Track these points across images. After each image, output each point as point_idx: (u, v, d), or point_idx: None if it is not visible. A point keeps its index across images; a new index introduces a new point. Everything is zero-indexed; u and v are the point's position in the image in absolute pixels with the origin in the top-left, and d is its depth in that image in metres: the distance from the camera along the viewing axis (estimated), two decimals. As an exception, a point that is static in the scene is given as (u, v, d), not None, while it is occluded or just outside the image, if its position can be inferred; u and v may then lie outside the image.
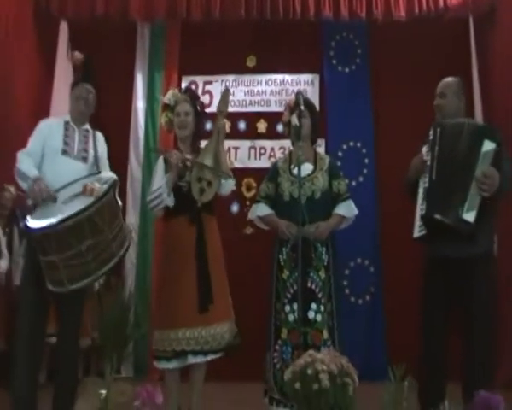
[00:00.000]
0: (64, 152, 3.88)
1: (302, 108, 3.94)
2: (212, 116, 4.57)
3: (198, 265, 4.00)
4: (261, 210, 4.25)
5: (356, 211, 4.23)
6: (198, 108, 4.35)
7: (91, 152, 3.97)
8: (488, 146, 3.53)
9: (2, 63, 6.15)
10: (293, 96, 4.77)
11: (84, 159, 3.94)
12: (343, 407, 2.48)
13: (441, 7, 6.60)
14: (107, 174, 3.87)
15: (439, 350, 3.77)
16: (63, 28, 7.20)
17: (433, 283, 3.78)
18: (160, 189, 4.05)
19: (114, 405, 2.91)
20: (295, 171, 4.02)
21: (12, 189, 6.04)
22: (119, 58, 7.24)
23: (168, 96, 4.36)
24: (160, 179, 4.11)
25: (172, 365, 3.97)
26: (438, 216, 3.54)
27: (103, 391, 2.92)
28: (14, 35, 6.40)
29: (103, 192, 3.47)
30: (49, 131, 3.94)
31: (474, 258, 3.61)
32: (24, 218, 5.84)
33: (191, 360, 3.93)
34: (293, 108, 4.18)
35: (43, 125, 4.02)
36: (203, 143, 4.35)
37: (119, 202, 3.67)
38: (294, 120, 3.94)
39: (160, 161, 4.22)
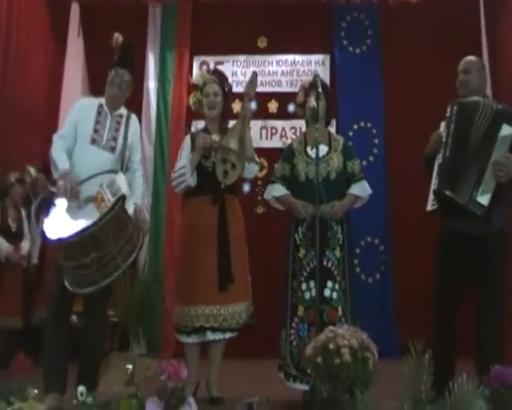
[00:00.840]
0: (93, 141, 3.90)
1: (320, 90, 3.97)
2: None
3: (219, 244, 4.11)
4: (277, 191, 4.29)
5: (370, 191, 4.31)
6: (226, 89, 4.41)
7: (120, 141, 3.98)
8: (506, 131, 3.55)
9: (14, 45, 6.22)
10: (305, 78, 4.82)
11: (113, 149, 3.95)
12: (364, 381, 2.57)
13: (452, -13, 6.61)
14: (121, 180, 3.78)
15: (451, 324, 3.83)
16: (74, 9, 7.28)
17: (447, 257, 3.83)
18: (183, 168, 4.14)
19: (141, 379, 3.01)
20: (311, 152, 4.12)
21: (32, 170, 6.12)
22: (131, 38, 7.23)
23: (197, 77, 4.46)
24: (185, 157, 4.21)
25: (192, 339, 4.11)
26: (449, 193, 3.60)
27: (130, 366, 3.01)
28: (26, 17, 6.47)
29: (108, 209, 3.47)
30: (80, 114, 3.96)
31: (489, 235, 3.65)
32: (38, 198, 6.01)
33: (209, 336, 4.06)
34: (308, 89, 4.23)
35: (76, 107, 4.04)
36: (231, 124, 4.42)
37: (130, 212, 3.67)
38: (312, 101, 4.00)
39: (187, 139, 4.31)
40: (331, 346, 2.63)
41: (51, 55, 7.05)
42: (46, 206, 3.84)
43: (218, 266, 4.08)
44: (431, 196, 3.79)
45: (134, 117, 4.13)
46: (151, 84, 7.25)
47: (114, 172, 3.87)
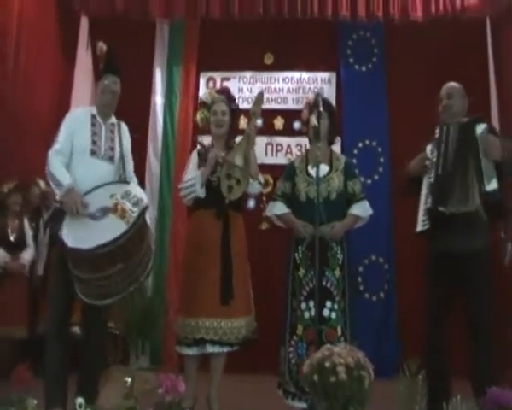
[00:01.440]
0: (92, 153, 3.89)
1: (321, 109, 4.02)
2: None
3: (222, 258, 4.17)
4: (278, 209, 4.32)
5: (370, 211, 4.31)
6: (233, 108, 4.50)
7: (117, 150, 4.01)
8: (480, 128, 3.81)
9: (24, 57, 6.29)
10: (311, 95, 4.85)
11: (111, 159, 3.97)
12: (359, 399, 2.58)
13: (458, 7, 6.65)
14: (136, 189, 3.83)
15: (441, 344, 3.90)
16: (84, 23, 7.36)
17: (435, 278, 3.93)
18: (193, 179, 4.21)
19: (139, 392, 3.03)
20: (312, 171, 4.13)
21: (42, 183, 6.16)
22: (139, 54, 7.31)
23: (206, 95, 4.54)
24: (193, 170, 4.28)
25: (192, 351, 4.16)
26: (445, 209, 3.74)
27: (128, 379, 3.03)
28: (37, 29, 6.55)
29: (135, 219, 3.54)
30: (76, 127, 3.93)
31: (474, 253, 3.77)
32: (48, 211, 6.02)
33: (209, 349, 4.11)
34: (312, 107, 4.25)
35: (70, 120, 3.99)
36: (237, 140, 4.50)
37: (148, 224, 3.75)
38: (313, 120, 4.02)
39: (194, 153, 4.40)
40: (327, 364, 2.65)
41: (61, 68, 7.13)
42: (58, 218, 3.82)
43: (220, 279, 4.14)
44: (421, 217, 3.92)
45: (124, 125, 4.16)
46: (158, 99, 7.33)
47: (116, 182, 3.90)
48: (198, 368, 4.26)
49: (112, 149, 3.99)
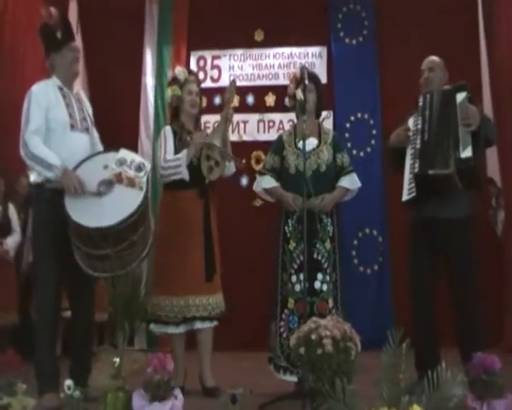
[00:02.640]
0: (72, 127, 3.81)
1: (306, 82, 3.99)
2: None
3: (205, 237, 4.22)
4: (267, 182, 4.30)
5: (359, 184, 4.30)
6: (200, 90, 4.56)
7: (88, 119, 3.96)
8: (460, 97, 3.90)
9: (10, 43, 6.24)
10: (297, 69, 4.83)
11: (87, 130, 3.92)
12: (346, 371, 2.60)
13: (447, -25, 6.60)
14: (130, 155, 3.78)
15: (428, 311, 4.00)
16: (72, 8, 7.29)
17: (420, 244, 4.05)
18: (178, 160, 4.18)
19: (128, 372, 3.04)
20: (300, 144, 4.08)
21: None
22: (128, 34, 7.31)
23: (180, 72, 4.48)
24: (171, 148, 4.27)
25: (179, 330, 4.18)
26: (432, 171, 3.83)
27: (117, 359, 3.04)
28: (23, 14, 6.48)
29: (146, 183, 3.61)
30: (49, 102, 3.77)
31: (457, 220, 3.90)
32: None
33: (199, 325, 4.16)
34: (298, 81, 4.23)
35: (39, 96, 3.77)
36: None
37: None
38: (299, 94, 3.99)
39: (168, 131, 4.36)
40: (313, 337, 2.67)
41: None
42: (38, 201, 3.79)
43: (204, 257, 4.19)
44: (406, 186, 3.98)
45: (82, 92, 4.12)
46: (149, 79, 7.30)
47: (101, 152, 3.91)
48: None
49: (85, 119, 3.94)
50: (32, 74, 6.54)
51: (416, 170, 3.90)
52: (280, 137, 4.43)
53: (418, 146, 3.95)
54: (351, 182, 4.26)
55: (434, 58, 4.30)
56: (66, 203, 3.56)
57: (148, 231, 3.69)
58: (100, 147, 4.05)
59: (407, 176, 3.98)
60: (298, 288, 4.03)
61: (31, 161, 3.67)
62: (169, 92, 4.45)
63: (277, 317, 4.10)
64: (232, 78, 4.80)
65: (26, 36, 6.46)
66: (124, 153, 3.78)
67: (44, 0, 6.80)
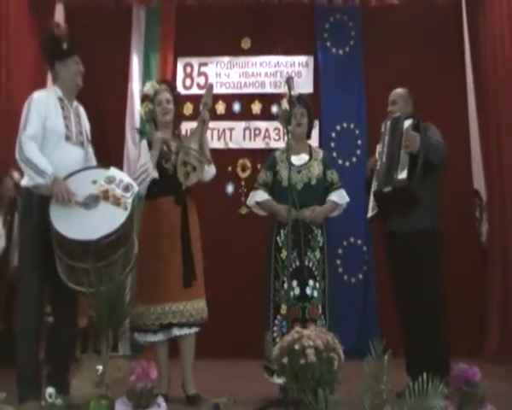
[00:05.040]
0: (67, 138, 3.83)
1: (292, 93, 4.13)
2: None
3: (183, 243, 4.27)
4: (260, 196, 4.52)
5: (347, 199, 4.59)
6: (176, 96, 4.62)
7: (84, 134, 3.99)
8: (407, 123, 4.32)
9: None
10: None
11: (82, 143, 3.94)
12: (328, 380, 2.62)
13: (433, -10, 6.65)
14: (120, 174, 3.84)
15: (412, 319, 4.24)
16: (59, 11, 7.27)
17: (390, 256, 4.44)
18: (144, 164, 4.28)
19: (111, 380, 3.05)
20: (293, 159, 4.32)
21: (15, 174, 6.09)
22: (115, 41, 7.30)
23: (147, 88, 4.58)
24: (144, 158, 4.35)
25: (158, 337, 4.24)
26: (385, 189, 4.23)
27: (100, 367, 3.05)
28: (10, 18, 6.44)
29: (131, 205, 3.63)
30: (47, 111, 3.80)
31: (417, 232, 4.18)
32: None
33: (176, 332, 4.21)
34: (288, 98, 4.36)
35: (40, 103, 3.81)
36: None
37: None
38: (284, 104, 4.16)
39: (144, 143, 4.45)
40: (297, 346, 2.69)
41: (36, 58, 7.04)
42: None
43: (182, 263, 4.23)
44: (371, 204, 4.43)
45: (82, 107, 4.10)
46: (135, 85, 7.26)
47: (92, 167, 3.92)
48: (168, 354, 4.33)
49: (81, 133, 3.97)
50: (17, 78, 6.56)
51: (374, 188, 4.36)
52: (273, 155, 4.68)
53: (378, 168, 4.41)
54: (340, 197, 4.54)
55: (397, 91, 4.67)
56: (50, 211, 3.57)
57: (130, 253, 3.69)
58: (94, 163, 4.07)
59: (372, 194, 4.43)
60: (291, 294, 4.14)
61: (24, 165, 3.70)
62: (141, 111, 4.55)
63: (270, 323, 4.27)
64: (210, 82, 4.84)
65: (12, 40, 6.45)
66: (113, 171, 3.82)
67: (30, 4, 6.87)
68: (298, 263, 4.24)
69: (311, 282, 4.26)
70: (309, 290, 4.24)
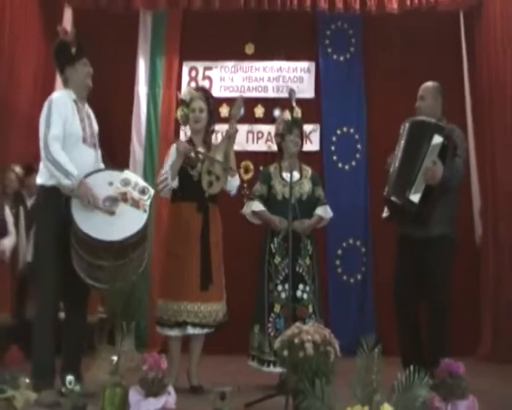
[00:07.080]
0: (84, 140, 3.96)
1: (294, 104, 4.39)
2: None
3: (202, 248, 4.49)
4: (256, 206, 4.87)
5: (331, 214, 4.98)
6: (211, 106, 4.76)
7: (95, 136, 4.14)
8: (437, 140, 4.05)
9: (7, 49, 6.34)
10: (291, 84, 5.37)
11: (94, 145, 4.10)
12: (325, 372, 2.86)
13: (432, 0, 6.84)
14: (135, 177, 4.02)
15: (410, 316, 4.31)
16: (67, 15, 7.42)
17: (401, 258, 4.38)
18: (165, 173, 4.50)
19: (125, 369, 3.27)
20: (285, 175, 4.82)
21: (17, 169, 6.22)
22: (122, 44, 7.44)
23: (184, 93, 4.79)
24: (167, 166, 4.55)
25: (174, 332, 4.45)
26: (393, 198, 4.15)
27: (114, 357, 3.27)
28: (20, 21, 6.59)
29: (149, 207, 3.85)
30: (67, 113, 3.89)
31: (431, 239, 4.13)
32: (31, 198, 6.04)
33: (190, 330, 4.41)
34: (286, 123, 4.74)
35: (61, 105, 3.89)
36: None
37: None
38: (287, 115, 4.40)
39: (173, 148, 4.64)
40: (296, 341, 2.95)
41: (44, 58, 7.15)
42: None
43: (200, 267, 4.45)
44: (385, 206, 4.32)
45: (91, 110, 4.22)
46: (141, 88, 7.45)
47: (107, 169, 4.09)
48: (180, 348, 4.56)
49: (93, 135, 4.11)
50: (26, 79, 6.71)
51: (385, 193, 4.27)
52: (267, 170, 5.05)
53: (391, 171, 4.28)
54: (325, 212, 4.95)
55: (426, 85, 4.45)
56: (73, 211, 3.73)
57: (143, 252, 3.90)
58: (101, 165, 4.21)
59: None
60: (283, 295, 4.66)
61: (51, 165, 3.78)
62: (178, 114, 4.75)
63: (264, 320, 4.63)
64: (240, 95, 5.23)
65: (21, 42, 6.57)
66: (128, 174, 4.01)
67: (40, 4, 7.04)
68: (290, 269, 4.38)
69: (301, 286, 4.67)
70: (299, 293, 4.65)
